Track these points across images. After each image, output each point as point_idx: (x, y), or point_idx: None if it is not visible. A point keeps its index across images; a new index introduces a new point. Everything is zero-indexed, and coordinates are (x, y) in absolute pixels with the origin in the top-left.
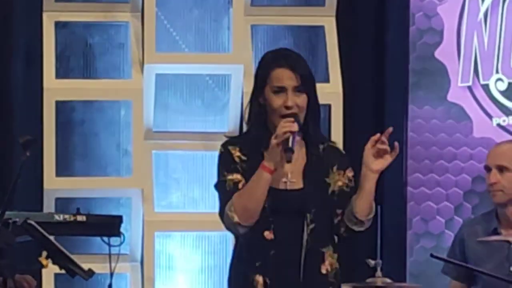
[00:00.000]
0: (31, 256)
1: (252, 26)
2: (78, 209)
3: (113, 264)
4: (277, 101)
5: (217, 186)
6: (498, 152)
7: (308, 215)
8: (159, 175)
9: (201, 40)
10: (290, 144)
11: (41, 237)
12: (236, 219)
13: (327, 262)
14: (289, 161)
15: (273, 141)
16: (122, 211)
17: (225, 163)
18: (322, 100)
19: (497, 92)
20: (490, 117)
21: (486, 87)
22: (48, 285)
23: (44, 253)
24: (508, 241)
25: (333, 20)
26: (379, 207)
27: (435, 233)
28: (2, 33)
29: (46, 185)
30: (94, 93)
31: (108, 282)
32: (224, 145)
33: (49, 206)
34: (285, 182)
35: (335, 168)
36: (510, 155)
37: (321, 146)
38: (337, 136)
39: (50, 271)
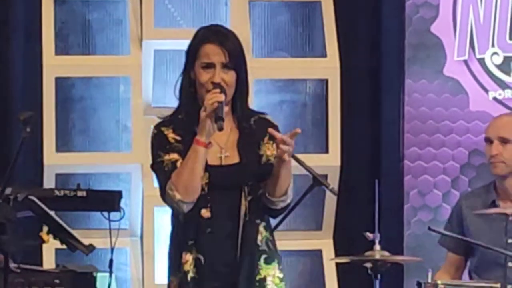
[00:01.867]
0: (32, 231)
1: (251, 3)
2: (78, 184)
3: (113, 239)
4: (205, 76)
5: (153, 168)
6: (500, 124)
7: (245, 188)
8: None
9: (199, 16)
10: (219, 113)
11: (42, 212)
12: (178, 196)
13: (260, 233)
14: (220, 129)
15: (202, 113)
16: (122, 186)
17: (160, 144)
18: (319, 75)
19: (493, 66)
20: (486, 90)
21: (482, 61)
22: (49, 260)
23: (45, 229)
24: (506, 214)
25: None
26: (376, 181)
27: (432, 207)
28: (2, 10)
29: (46, 161)
30: (93, 69)
31: (108, 257)
32: (156, 127)
33: (49, 181)
34: (220, 157)
35: (266, 139)
36: (509, 127)
37: (252, 120)
38: (334, 110)
39: (51, 246)
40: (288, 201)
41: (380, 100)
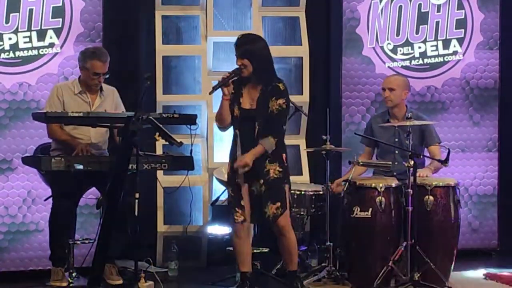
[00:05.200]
0: (150, 134)
1: (262, 17)
2: (174, 111)
3: (192, 139)
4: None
5: None
6: (388, 80)
7: (256, 122)
8: (215, 93)
9: (237, 24)
10: (224, 83)
11: (156, 125)
12: (216, 124)
13: None
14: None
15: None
16: (196, 111)
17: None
18: (298, 54)
19: (388, 50)
20: (384, 62)
21: (382, 47)
22: (159, 151)
23: (157, 133)
24: (394, 126)
25: (303, 14)
26: (327, 109)
27: (356, 122)
28: (135, 23)
29: (157, 99)
30: (181, 51)
31: (190, 148)
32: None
33: (159, 109)
34: (250, 104)
35: (273, 98)
36: (394, 82)
37: (269, 86)
38: (305, 73)
39: (160, 143)
40: (273, 148)
41: (329, 68)
